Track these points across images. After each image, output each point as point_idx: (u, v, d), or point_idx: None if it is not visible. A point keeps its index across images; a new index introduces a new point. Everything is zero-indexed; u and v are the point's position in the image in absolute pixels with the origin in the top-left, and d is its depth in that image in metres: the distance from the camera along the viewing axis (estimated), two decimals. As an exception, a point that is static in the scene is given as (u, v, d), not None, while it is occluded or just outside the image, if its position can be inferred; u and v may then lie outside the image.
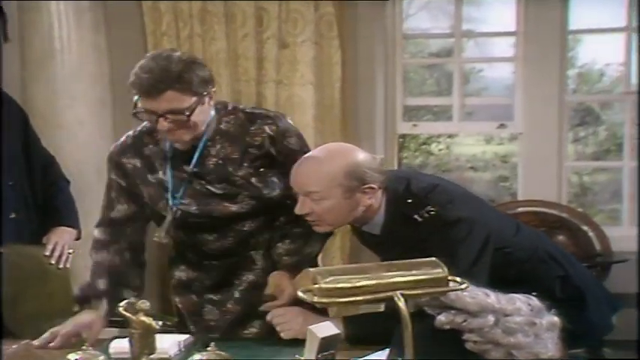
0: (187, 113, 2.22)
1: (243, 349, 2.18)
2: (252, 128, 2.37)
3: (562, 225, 4.33)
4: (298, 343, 2.01)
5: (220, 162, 2.36)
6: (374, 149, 4.30)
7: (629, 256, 4.10)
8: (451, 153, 6.70)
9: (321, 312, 2.23)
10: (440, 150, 6.69)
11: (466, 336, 1.79)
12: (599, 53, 5.24)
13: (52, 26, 3.88)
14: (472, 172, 6.73)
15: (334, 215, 2.23)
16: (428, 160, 6.60)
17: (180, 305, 2.57)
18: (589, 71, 5.73)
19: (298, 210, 2.24)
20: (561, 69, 4.46)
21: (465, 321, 1.77)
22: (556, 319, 1.85)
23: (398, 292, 1.56)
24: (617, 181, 4.89)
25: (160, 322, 1.97)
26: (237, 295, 2.48)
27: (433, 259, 1.64)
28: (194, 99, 2.22)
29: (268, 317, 2.28)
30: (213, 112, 2.36)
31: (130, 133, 2.46)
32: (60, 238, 2.95)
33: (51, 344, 2.28)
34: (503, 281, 1.94)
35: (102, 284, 2.39)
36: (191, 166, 2.36)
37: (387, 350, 1.94)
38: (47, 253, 2.88)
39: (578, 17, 4.47)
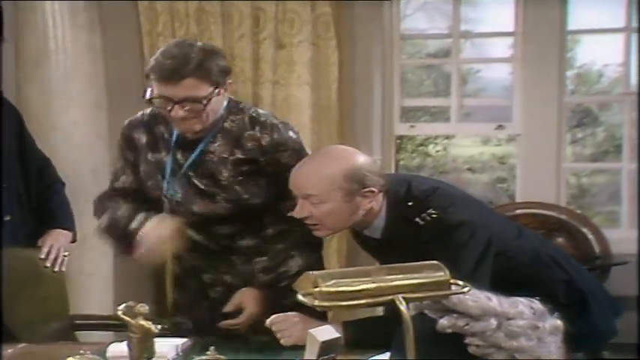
0: (204, 102, 2.24)
1: (243, 352, 2.17)
2: (249, 133, 2.38)
3: (561, 227, 4.31)
4: (298, 346, 2.01)
5: (214, 159, 2.38)
6: (371, 150, 4.29)
7: (628, 258, 4.08)
8: (448, 154, 6.68)
9: (321, 317, 2.22)
10: (437, 151, 6.66)
11: (468, 340, 1.78)
12: (597, 54, 5.23)
13: (46, 26, 3.84)
14: (469, 173, 6.71)
15: (334, 219, 2.21)
16: (425, 161, 6.57)
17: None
18: (588, 72, 5.72)
19: (297, 213, 2.22)
20: (560, 70, 4.43)
21: (467, 324, 1.76)
22: (559, 322, 1.84)
23: (399, 296, 1.56)
24: (615, 183, 4.87)
25: (159, 326, 1.95)
26: (212, 295, 2.49)
27: (435, 262, 1.63)
28: (211, 88, 2.25)
29: (267, 323, 2.25)
30: (225, 104, 2.37)
31: (147, 110, 2.48)
32: (55, 240, 2.93)
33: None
34: (507, 285, 1.91)
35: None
36: (191, 157, 2.37)
37: (387, 354, 1.92)
38: (42, 256, 2.86)
39: (577, 17, 4.44)
